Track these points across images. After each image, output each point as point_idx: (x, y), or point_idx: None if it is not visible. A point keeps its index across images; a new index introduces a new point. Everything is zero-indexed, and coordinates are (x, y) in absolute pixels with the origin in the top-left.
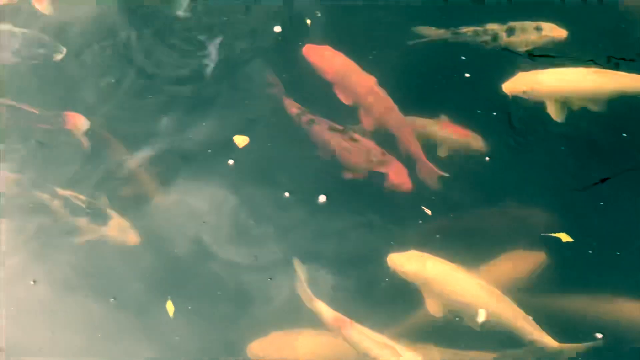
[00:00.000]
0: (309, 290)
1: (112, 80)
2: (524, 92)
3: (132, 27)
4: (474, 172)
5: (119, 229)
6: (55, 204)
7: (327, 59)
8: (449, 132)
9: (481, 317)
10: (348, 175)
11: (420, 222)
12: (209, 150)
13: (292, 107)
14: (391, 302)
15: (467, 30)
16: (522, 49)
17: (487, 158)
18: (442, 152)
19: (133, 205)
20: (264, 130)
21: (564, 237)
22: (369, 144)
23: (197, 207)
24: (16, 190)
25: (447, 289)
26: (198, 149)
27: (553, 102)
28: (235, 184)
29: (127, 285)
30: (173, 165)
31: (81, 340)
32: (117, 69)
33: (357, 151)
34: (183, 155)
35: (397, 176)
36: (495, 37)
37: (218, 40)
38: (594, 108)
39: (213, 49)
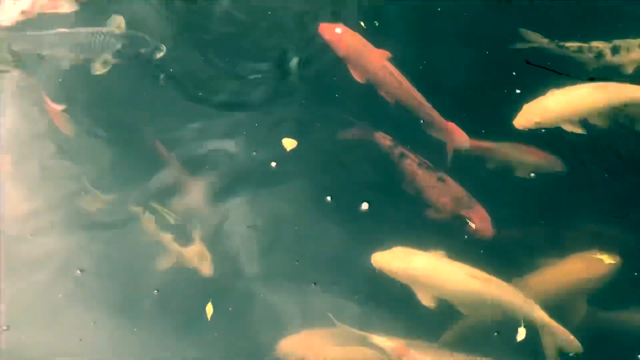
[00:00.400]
0: (356, 331)
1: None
2: (536, 123)
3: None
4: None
5: (198, 256)
6: (147, 217)
7: (340, 36)
8: (527, 155)
9: (521, 336)
10: (431, 214)
11: (466, 237)
12: (254, 153)
13: (384, 139)
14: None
15: (572, 45)
16: (627, 68)
17: (532, 175)
18: (520, 174)
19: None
20: (314, 135)
21: (607, 259)
22: (456, 186)
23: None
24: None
25: (436, 280)
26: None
27: (568, 123)
28: (278, 186)
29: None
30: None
31: None
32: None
33: (443, 192)
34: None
35: (481, 222)
36: (599, 55)
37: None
38: (604, 122)
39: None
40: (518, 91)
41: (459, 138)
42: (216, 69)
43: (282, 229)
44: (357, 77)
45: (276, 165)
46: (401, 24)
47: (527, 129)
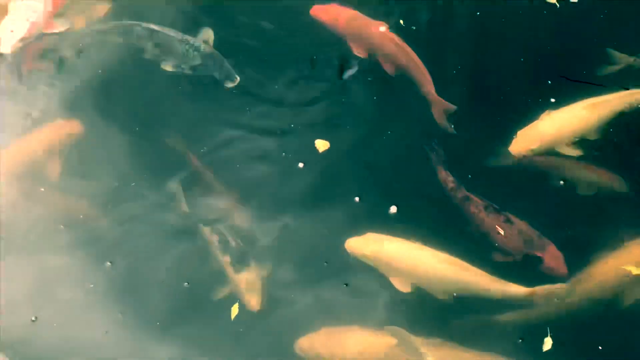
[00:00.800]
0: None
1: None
2: (531, 150)
3: None
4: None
5: (248, 286)
6: (213, 236)
7: (335, 13)
8: (591, 173)
9: (547, 345)
10: (499, 258)
11: (496, 244)
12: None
13: (448, 181)
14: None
15: None
16: None
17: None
18: (582, 191)
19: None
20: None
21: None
22: (525, 225)
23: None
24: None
25: (409, 266)
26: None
27: (564, 146)
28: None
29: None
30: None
31: None
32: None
33: (513, 235)
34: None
35: (554, 261)
36: None
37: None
38: (597, 136)
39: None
40: (553, 100)
41: (447, 106)
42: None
43: (309, 230)
44: (359, 52)
45: (304, 165)
46: (437, 26)
47: (523, 156)
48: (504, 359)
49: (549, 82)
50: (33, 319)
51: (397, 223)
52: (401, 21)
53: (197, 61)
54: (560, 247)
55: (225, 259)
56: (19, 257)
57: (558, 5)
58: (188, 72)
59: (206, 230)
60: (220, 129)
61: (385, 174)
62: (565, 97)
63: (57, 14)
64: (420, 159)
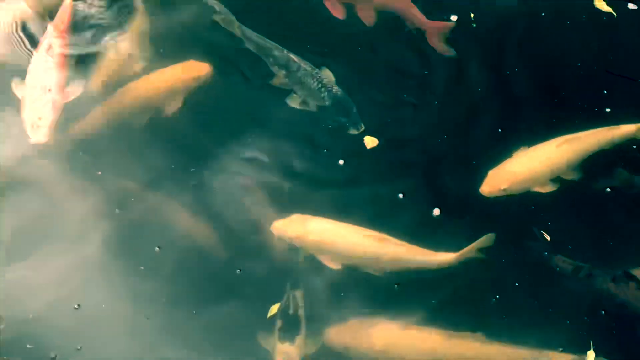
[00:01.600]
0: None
1: None
2: (502, 190)
3: None
4: None
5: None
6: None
7: None
8: None
9: (590, 358)
10: None
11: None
12: (325, 151)
13: (563, 261)
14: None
15: None
16: None
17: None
18: None
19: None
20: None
21: None
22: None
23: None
24: None
25: (334, 243)
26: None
27: (539, 185)
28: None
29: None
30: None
31: None
32: None
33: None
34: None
35: None
36: None
37: None
38: (575, 175)
39: None
40: (608, 110)
41: (442, 26)
42: None
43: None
44: (336, 11)
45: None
46: (498, 29)
47: (494, 196)
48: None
49: (605, 91)
50: (76, 306)
51: (439, 227)
52: (471, 15)
53: (327, 102)
54: None
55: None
56: (66, 243)
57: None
58: (314, 110)
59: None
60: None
61: (433, 176)
62: (621, 106)
63: (69, 78)
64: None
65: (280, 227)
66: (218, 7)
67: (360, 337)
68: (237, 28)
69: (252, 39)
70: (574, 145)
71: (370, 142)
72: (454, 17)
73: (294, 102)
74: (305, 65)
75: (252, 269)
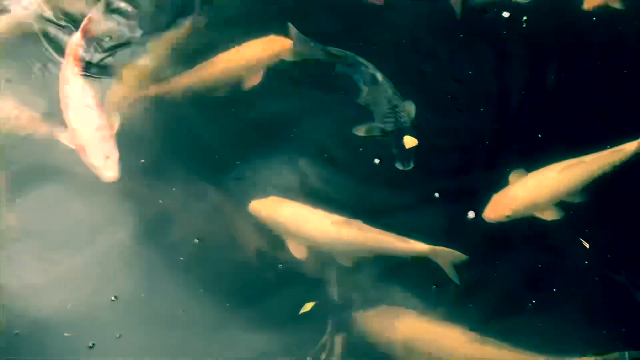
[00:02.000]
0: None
1: None
2: (506, 216)
3: None
4: None
5: None
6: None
7: None
8: None
9: None
10: None
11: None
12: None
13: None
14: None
15: None
16: None
17: None
18: None
19: None
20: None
21: None
22: None
23: None
24: None
25: (303, 229)
26: None
27: (541, 211)
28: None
29: None
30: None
31: None
32: None
33: None
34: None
35: None
36: None
37: None
38: (577, 199)
39: None
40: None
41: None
42: None
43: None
44: None
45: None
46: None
47: (497, 222)
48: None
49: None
50: (113, 298)
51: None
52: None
53: (390, 128)
54: None
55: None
56: (105, 233)
57: None
58: (377, 134)
59: None
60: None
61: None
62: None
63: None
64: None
65: (256, 206)
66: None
67: (386, 325)
68: (321, 52)
69: (340, 55)
70: (577, 170)
71: (410, 142)
72: (505, 14)
73: (360, 130)
74: (388, 89)
75: (292, 264)
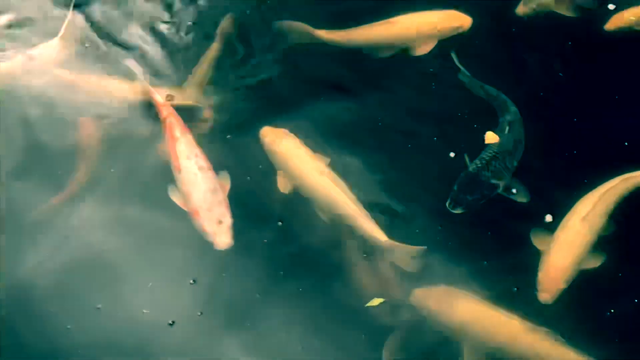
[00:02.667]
0: None
1: None
2: (561, 289)
3: None
4: None
5: None
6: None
7: None
8: None
9: None
10: None
11: None
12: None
13: None
14: None
15: None
16: None
17: None
18: None
19: None
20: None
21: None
22: None
23: None
24: None
25: (290, 166)
26: None
27: (586, 264)
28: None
29: None
30: None
31: None
32: None
33: None
34: None
35: None
36: None
37: None
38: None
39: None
40: None
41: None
42: None
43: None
44: None
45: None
46: None
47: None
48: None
49: None
50: (192, 281)
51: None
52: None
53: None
54: None
55: None
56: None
57: None
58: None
59: None
60: None
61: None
62: None
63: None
64: None
65: (264, 133)
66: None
67: (444, 305)
68: (480, 89)
69: (494, 95)
70: (598, 211)
71: (492, 138)
72: (611, 6)
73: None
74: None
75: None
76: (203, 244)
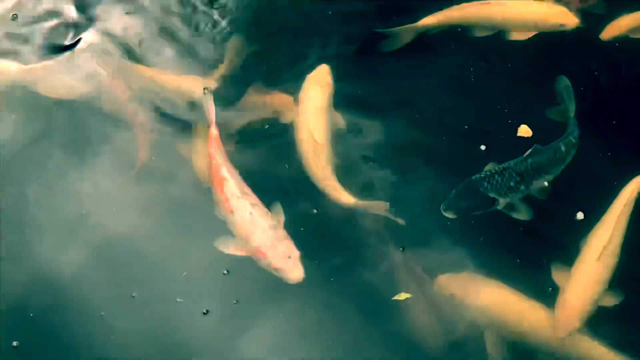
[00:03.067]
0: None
1: None
2: (578, 327)
3: None
4: None
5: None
6: None
7: None
8: None
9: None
10: None
11: None
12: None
13: None
14: None
15: None
16: None
17: None
18: None
19: None
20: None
21: None
22: None
23: None
24: None
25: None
26: None
27: (602, 302)
28: None
29: None
30: None
31: None
32: None
33: None
34: None
35: None
36: None
37: None
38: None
39: None
40: None
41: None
42: None
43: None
44: None
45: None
46: None
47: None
48: None
49: None
50: (225, 272)
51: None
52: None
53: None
54: None
55: None
56: None
57: None
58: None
59: None
60: None
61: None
62: None
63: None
64: None
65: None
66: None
67: (469, 291)
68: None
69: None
70: (611, 248)
71: (525, 131)
72: None
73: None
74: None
75: None
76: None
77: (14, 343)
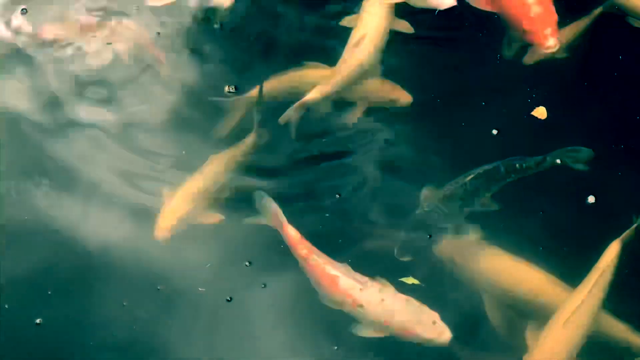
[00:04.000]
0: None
1: None
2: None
3: None
4: None
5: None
6: None
7: None
8: None
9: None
10: None
11: None
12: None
13: None
14: None
15: None
16: None
17: None
18: None
19: None
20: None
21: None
22: None
23: None
24: None
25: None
26: None
27: None
28: None
29: None
30: None
31: None
32: None
33: None
34: None
35: None
36: None
37: None
38: None
39: None
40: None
41: None
42: None
43: None
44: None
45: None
46: None
47: None
48: None
49: None
50: (247, 264)
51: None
52: None
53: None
54: None
55: None
56: None
57: None
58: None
59: None
60: None
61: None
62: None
63: None
64: None
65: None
66: None
67: (470, 256)
68: None
69: None
70: (580, 320)
71: (541, 112)
72: None
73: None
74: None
75: None
76: (258, 227)
77: (37, 320)
